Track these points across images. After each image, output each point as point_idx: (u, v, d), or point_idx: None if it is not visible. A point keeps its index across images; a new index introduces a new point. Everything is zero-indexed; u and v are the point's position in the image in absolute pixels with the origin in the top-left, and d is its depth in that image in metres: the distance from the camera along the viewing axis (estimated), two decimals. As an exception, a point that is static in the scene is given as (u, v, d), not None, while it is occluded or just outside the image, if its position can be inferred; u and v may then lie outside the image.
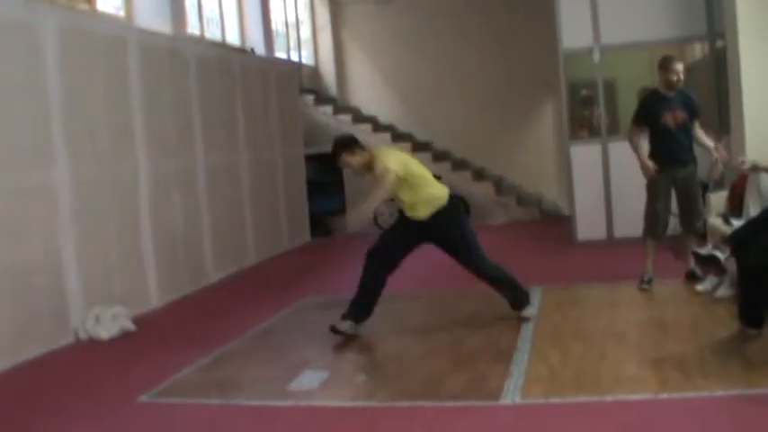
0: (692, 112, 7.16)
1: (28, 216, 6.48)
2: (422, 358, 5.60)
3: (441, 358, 5.54)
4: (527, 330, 6.06)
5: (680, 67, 7.12)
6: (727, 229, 6.82)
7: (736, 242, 5.63)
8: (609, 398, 4.44)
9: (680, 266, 7.47)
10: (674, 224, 7.53)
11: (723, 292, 6.54)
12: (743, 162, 6.65)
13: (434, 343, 6.02)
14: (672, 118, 7.10)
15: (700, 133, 7.25)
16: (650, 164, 7.21)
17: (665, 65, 7.18)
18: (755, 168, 6.72)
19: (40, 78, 6.73)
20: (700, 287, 6.85)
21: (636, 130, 7.42)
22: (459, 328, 6.37)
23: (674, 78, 7.09)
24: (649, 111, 7.25)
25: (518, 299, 6.49)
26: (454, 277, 7.12)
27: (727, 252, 6.37)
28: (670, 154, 7.17)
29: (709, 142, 7.23)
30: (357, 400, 4.86)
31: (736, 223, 6.68)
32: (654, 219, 7.30)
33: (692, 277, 7.19)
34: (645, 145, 7.33)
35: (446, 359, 5.51)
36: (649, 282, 7.25)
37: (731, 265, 6.39)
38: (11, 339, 6.16)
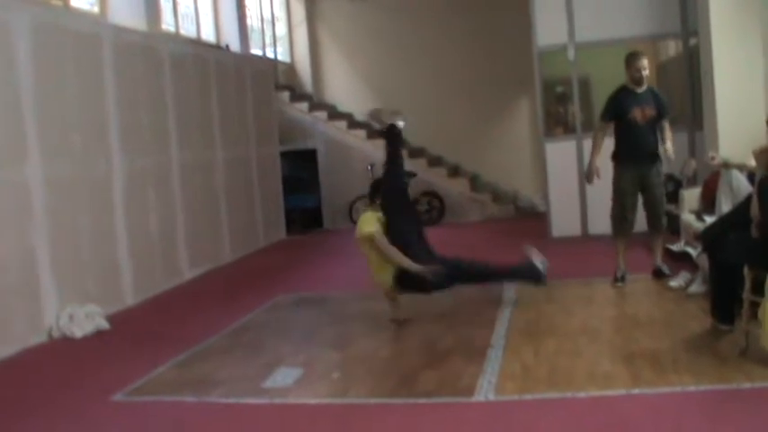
0: (661, 110, 7.18)
1: (0, 213, 6.43)
2: (396, 356, 5.63)
3: (415, 356, 5.56)
4: (501, 327, 6.09)
5: (643, 63, 7.13)
6: (699, 226, 6.88)
7: (708, 239, 5.68)
8: (582, 394, 4.47)
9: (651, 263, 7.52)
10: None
11: (696, 288, 6.59)
12: (713, 158, 6.69)
13: (408, 341, 6.04)
14: (641, 113, 7.12)
15: (666, 131, 7.23)
16: (597, 170, 7.30)
17: (628, 61, 7.22)
18: (726, 165, 6.78)
19: (13, 74, 6.67)
20: (673, 283, 6.89)
21: (601, 126, 7.45)
22: (434, 326, 6.39)
23: (638, 75, 7.13)
24: (617, 106, 7.26)
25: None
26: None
27: (700, 249, 6.43)
28: (636, 149, 7.18)
29: (666, 141, 7.20)
30: (331, 397, 4.85)
31: (709, 220, 6.74)
32: (620, 217, 7.32)
33: (659, 274, 7.24)
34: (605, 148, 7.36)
35: (420, 357, 5.52)
36: (623, 278, 7.29)
37: (703, 262, 6.44)
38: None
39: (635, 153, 7.18)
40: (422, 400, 4.62)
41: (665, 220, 7.36)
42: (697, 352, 5.07)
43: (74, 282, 7.25)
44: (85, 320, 6.92)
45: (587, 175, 7.45)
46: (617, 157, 7.28)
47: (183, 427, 4.54)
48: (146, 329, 7.19)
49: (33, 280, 6.75)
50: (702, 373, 4.63)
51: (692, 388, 4.39)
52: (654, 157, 7.19)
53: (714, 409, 4.11)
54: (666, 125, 7.23)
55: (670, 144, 7.11)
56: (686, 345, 5.26)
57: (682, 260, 7.51)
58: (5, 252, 6.45)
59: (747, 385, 4.36)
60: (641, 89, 7.18)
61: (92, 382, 5.55)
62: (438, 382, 4.93)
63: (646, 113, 7.12)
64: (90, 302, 7.15)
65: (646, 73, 7.15)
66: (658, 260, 7.32)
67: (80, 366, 6.06)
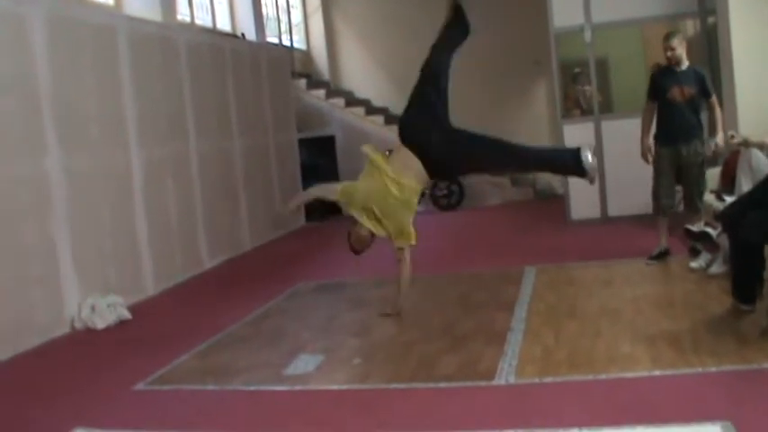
0: (703, 90, 7.20)
1: (21, 207, 6.47)
2: (416, 341, 5.61)
3: (435, 340, 5.56)
4: (521, 310, 6.08)
5: (671, 43, 7.14)
6: (719, 206, 6.84)
7: (728, 218, 5.64)
8: (603, 376, 4.46)
9: (678, 242, 7.50)
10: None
11: (716, 268, 6.56)
12: (732, 137, 6.66)
13: (428, 326, 6.04)
14: (680, 92, 7.16)
15: (717, 115, 7.30)
16: (648, 148, 7.34)
17: (663, 41, 7.26)
18: (746, 144, 6.73)
19: (30, 68, 6.70)
20: (693, 264, 6.86)
21: (647, 107, 7.51)
22: (453, 310, 6.39)
23: (668, 54, 7.17)
24: (657, 85, 7.34)
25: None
26: (446, 261, 7.14)
27: (719, 229, 6.39)
28: (674, 129, 7.22)
29: (718, 131, 7.24)
30: (352, 383, 4.87)
31: (729, 199, 6.70)
32: (658, 195, 7.37)
33: (694, 252, 7.20)
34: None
35: (440, 341, 5.52)
36: (659, 256, 7.32)
37: (724, 242, 6.41)
38: (6, 331, 6.15)
39: (672, 132, 7.23)
40: (442, 385, 4.62)
41: (702, 200, 7.35)
42: (718, 333, 5.05)
43: (95, 273, 7.30)
44: (107, 311, 6.96)
45: (642, 155, 7.46)
46: (657, 135, 7.36)
47: (205, 416, 4.56)
48: (167, 319, 7.24)
49: (54, 272, 6.80)
50: (723, 353, 4.60)
51: (712, 369, 4.37)
52: (692, 136, 7.20)
53: (735, 390, 4.09)
54: (716, 108, 7.28)
55: (722, 136, 7.14)
56: (707, 325, 5.24)
57: (702, 240, 7.46)
58: (27, 244, 6.49)
59: (769, 365, 4.34)
60: (682, 68, 7.21)
61: (114, 372, 5.59)
62: (458, 365, 4.93)
63: (685, 92, 7.15)
64: (111, 293, 7.19)
65: (676, 53, 7.16)
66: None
67: (102, 357, 6.11)
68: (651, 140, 7.36)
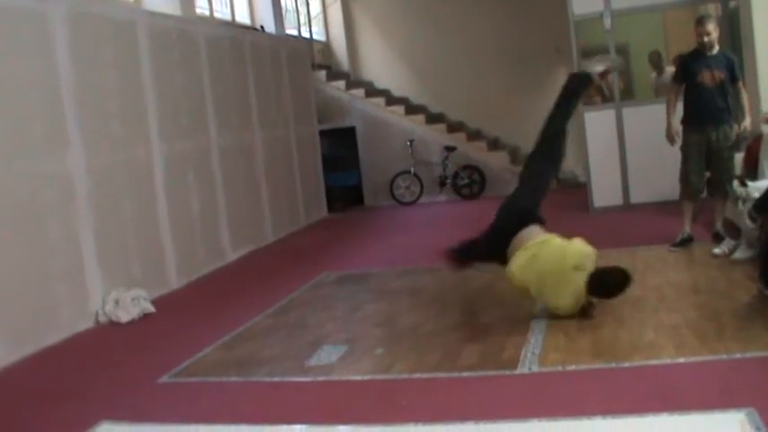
0: (732, 74, 7.20)
1: (45, 203, 6.52)
2: (439, 331, 5.62)
3: (458, 330, 5.57)
4: (544, 299, 6.07)
5: (706, 28, 7.14)
6: (742, 191, 6.79)
7: (762, 209, 5.62)
8: (626, 364, 4.46)
9: (700, 229, 7.47)
10: None
11: (740, 254, 6.53)
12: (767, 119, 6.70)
13: (451, 315, 6.04)
14: (710, 76, 7.15)
15: (743, 100, 7.31)
16: (676, 131, 7.38)
17: (695, 26, 7.28)
18: None
19: (52, 65, 6.75)
20: (717, 250, 6.83)
21: (674, 88, 7.53)
22: (476, 299, 6.40)
23: (700, 39, 7.18)
24: (687, 68, 7.34)
25: None
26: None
27: (745, 214, 6.35)
28: (703, 112, 7.21)
29: (745, 116, 7.26)
30: (375, 373, 4.88)
31: (752, 185, 6.65)
32: (686, 180, 7.37)
33: (718, 238, 7.15)
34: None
35: (463, 330, 5.54)
36: (682, 243, 7.33)
37: (746, 227, 6.38)
38: (32, 326, 6.21)
39: (701, 116, 7.22)
40: (465, 374, 4.63)
41: (730, 185, 7.26)
42: (742, 319, 5.03)
43: (119, 267, 7.34)
44: (131, 305, 7.00)
45: (668, 137, 7.48)
46: (685, 119, 7.37)
47: (229, 407, 4.58)
48: (190, 312, 7.28)
49: (79, 266, 6.85)
50: (748, 340, 4.58)
51: (737, 355, 4.35)
52: (721, 120, 7.18)
53: (760, 377, 4.07)
54: (743, 92, 7.29)
55: (749, 121, 7.16)
56: (731, 312, 5.22)
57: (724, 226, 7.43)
58: (51, 240, 6.54)
59: (794, 351, 4.32)
60: (712, 52, 7.20)
61: (138, 365, 5.63)
62: (481, 355, 4.93)
63: (715, 76, 7.15)
64: (135, 287, 7.23)
65: (711, 37, 7.16)
66: (718, 224, 7.27)
67: (126, 350, 6.15)
68: (678, 123, 7.35)
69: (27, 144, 6.39)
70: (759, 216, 6.01)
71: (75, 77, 6.96)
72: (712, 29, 7.14)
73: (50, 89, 6.71)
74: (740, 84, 7.26)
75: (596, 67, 6.47)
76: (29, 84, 6.47)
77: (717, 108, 7.17)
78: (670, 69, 10.66)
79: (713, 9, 10.28)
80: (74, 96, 6.92)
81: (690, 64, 7.33)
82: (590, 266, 5.42)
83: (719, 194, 7.33)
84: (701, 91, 7.20)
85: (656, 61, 11.29)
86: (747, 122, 7.17)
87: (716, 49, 7.23)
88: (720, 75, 7.14)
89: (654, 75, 11.48)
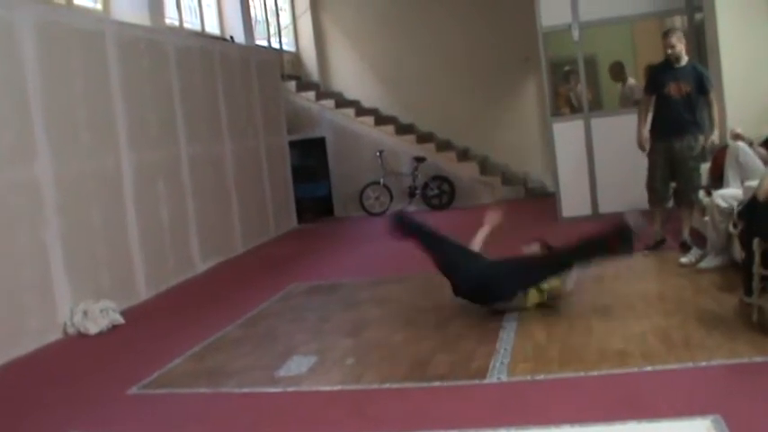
0: (701, 86, 7.33)
1: (12, 212, 6.47)
2: (408, 341, 5.63)
3: (427, 339, 5.57)
4: (513, 309, 6.10)
5: (670, 40, 7.32)
6: (708, 201, 6.85)
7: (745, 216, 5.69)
8: (594, 373, 4.49)
9: (668, 239, 7.56)
10: None
11: (706, 263, 6.60)
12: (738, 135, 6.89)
13: (421, 325, 6.04)
14: (676, 88, 7.31)
15: (713, 112, 7.40)
16: (645, 138, 7.55)
17: (662, 38, 7.47)
18: (738, 137, 6.89)
19: (19, 74, 6.70)
20: (684, 259, 6.91)
21: (644, 99, 7.74)
22: (445, 309, 6.40)
23: (668, 51, 7.35)
24: (654, 80, 7.54)
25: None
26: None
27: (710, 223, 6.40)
28: (667, 123, 7.39)
29: (714, 128, 7.37)
30: (345, 383, 4.87)
31: (716, 194, 6.70)
32: (650, 187, 7.56)
33: (685, 248, 7.22)
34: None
35: (433, 340, 5.54)
36: (656, 246, 7.55)
37: (713, 236, 6.45)
38: (-1, 337, 6.17)
39: (666, 126, 7.40)
40: (435, 384, 4.64)
41: (695, 195, 7.44)
42: (708, 327, 5.07)
43: (87, 278, 7.30)
44: (100, 316, 6.96)
45: (638, 144, 7.65)
46: (652, 129, 7.54)
47: (199, 418, 4.57)
48: (160, 323, 7.24)
49: (46, 277, 6.80)
50: (714, 348, 4.64)
51: (703, 363, 4.40)
52: (685, 131, 7.33)
53: (725, 384, 4.13)
54: (714, 104, 7.39)
55: (717, 134, 7.32)
56: (698, 320, 5.26)
57: (691, 235, 7.51)
58: (18, 250, 6.49)
59: (759, 359, 4.36)
60: (680, 64, 7.36)
61: (107, 376, 5.60)
62: (451, 364, 4.95)
63: (681, 88, 7.30)
64: (104, 298, 7.19)
65: (676, 50, 7.32)
66: (685, 234, 7.38)
67: (95, 362, 6.11)
68: (647, 132, 7.54)
69: (-6, 154, 6.34)
70: (741, 222, 6.05)
71: (42, 86, 6.92)
72: (676, 41, 7.30)
73: (18, 98, 6.66)
74: (711, 96, 7.37)
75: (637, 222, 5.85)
76: (-5, 92, 6.43)
77: (682, 119, 7.32)
78: (632, 81, 10.78)
79: (680, 21, 10.40)
80: (41, 105, 6.88)
81: (657, 76, 7.52)
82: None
83: (685, 204, 7.48)
84: (668, 102, 7.36)
85: (617, 72, 11.38)
86: (715, 135, 7.28)
87: (684, 60, 7.38)
88: (687, 87, 7.28)
89: (620, 85, 11.58)
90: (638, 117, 7.69)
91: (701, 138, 7.32)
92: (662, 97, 7.40)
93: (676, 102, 7.32)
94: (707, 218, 6.71)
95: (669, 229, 7.65)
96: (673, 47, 7.28)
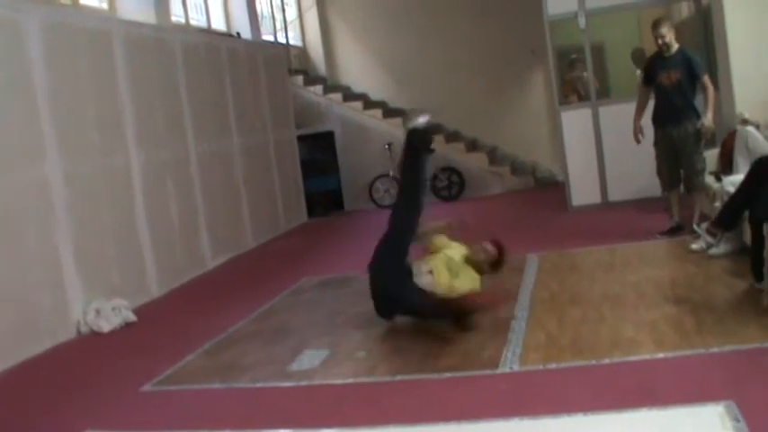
0: (691, 72, 7.41)
1: (23, 213, 6.49)
2: (420, 332, 5.62)
3: (439, 331, 5.57)
4: (524, 298, 6.10)
5: (660, 31, 7.45)
6: (718, 187, 6.85)
7: (720, 224, 5.73)
8: (606, 361, 4.49)
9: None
10: None
11: (716, 249, 6.57)
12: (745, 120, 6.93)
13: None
14: (666, 77, 7.47)
15: (709, 95, 7.48)
16: (639, 129, 7.77)
17: (652, 30, 7.58)
18: (745, 122, 6.88)
19: (27, 75, 6.72)
20: (694, 246, 6.88)
21: (640, 90, 7.96)
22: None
23: (658, 41, 7.50)
24: (648, 71, 7.73)
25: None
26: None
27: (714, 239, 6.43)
28: (663, 112, 7.58)
29: (708, 110, 7.43)
30: (357, 376, 4.89)
31: (726, 180, 6.71)
32: (660, 173, 7.72)
33: (695, 234, 7.21)
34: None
35: (444, 331, 5.54)
36: (672, 231, 7.61)
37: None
38: (12, 338, 6.17)
39: (662, 115, 7.59)
40: (447, 375, 4.65)
41: (700, 179, 7.53)
42: (720, 313, 5.07)
43: (99, 276, 7.32)
44: (112, 314, 6.98)
45: (633, 135, 7.87)
46: (652, 119, 7.72)
47: (212, 414, 4.59)
48: (172, 320, 7.27)
49: (58, 276, 6.82)
50: (726, 334, 4.63)
51: (715, 349, 4.39)
52: (680, 118, 7.44)
53: (738, 370, 4.11)
54: (709, 87, 7.46)
55: (710, 116, 7.37)
56: (709, 307, 5.25)
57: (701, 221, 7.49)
58: (29, 250, 6.51)
59: (771, 344, 4.36)
60: (670, 53, 7.49)
61: (121, 374, 5.62)
62: (462, 355, 4.96)
63: (672, 77, 7.44)
64: (116, 296, 7.21)
65: (665, 40, 7.45)
66: (694, 220, 7.38)
67: (108, 360, 6.14)
68: (649, 122, 7.68)
69: (3, 154, 6.36)
70: (718, 231, 6.15)
71: (50, 86, 6.93)
72: (666, 31, 7.45)
73: (26, 99, 6.68)
74: (705, 79, 7.44)
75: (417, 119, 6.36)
76: (4, 93, 6.44)
77: (674, 107, 7.47)
78: None
79: (686, 6, 10.37)
80: (50, 105, 6.90)
81: (650, 67, 7.73)
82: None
83: (692, 189, 7.58)
84: (661, 92, 7.58)
85: (639, 57, 11.34)
86: (708, 119, 7.31)
87: (674, 48, 7.50)
88: (677, 75, 7.44)
89: (639, 71, 11.55)
90: (635, 108, 7.89)
91: (699, 122, 7.36)
92: (657, 87, 7.60)
93: (668, 90, 7.49)
94: (717, 203, 6.69)
95: (684, 216, 7.64)
96: (663, 36, 7.43)
